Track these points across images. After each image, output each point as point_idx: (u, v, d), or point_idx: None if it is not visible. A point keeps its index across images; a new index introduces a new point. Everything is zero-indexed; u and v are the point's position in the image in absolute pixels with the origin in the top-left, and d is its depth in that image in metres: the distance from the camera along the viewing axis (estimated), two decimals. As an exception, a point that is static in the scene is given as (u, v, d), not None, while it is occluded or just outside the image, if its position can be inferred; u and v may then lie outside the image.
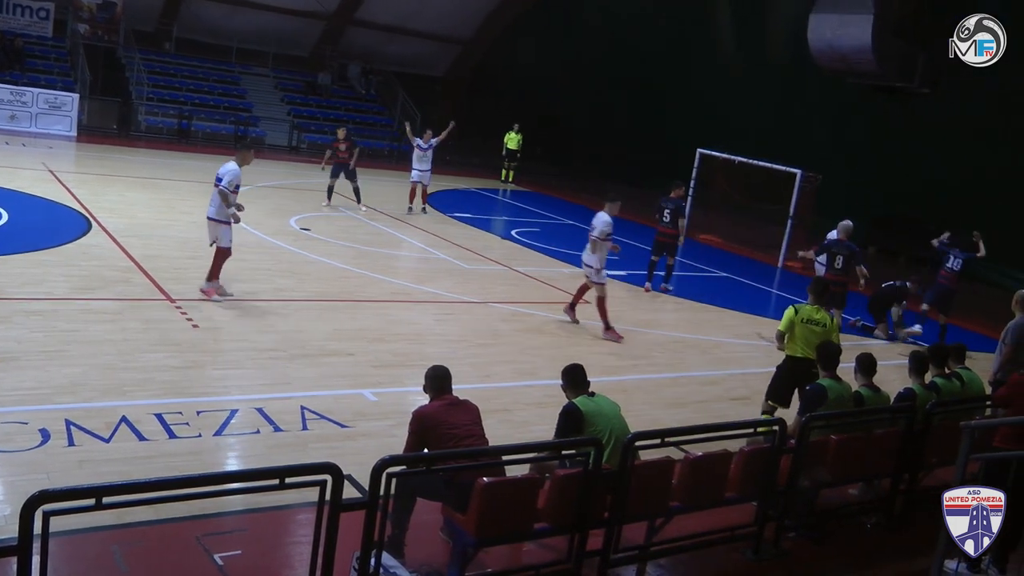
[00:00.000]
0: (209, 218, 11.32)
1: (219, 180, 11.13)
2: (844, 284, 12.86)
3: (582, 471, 5.57)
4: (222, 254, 11.29)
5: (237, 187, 11.14)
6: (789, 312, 8.79)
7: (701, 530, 6.50)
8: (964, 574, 6.29)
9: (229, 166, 11.18)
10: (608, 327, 12.07)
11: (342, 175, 18.92)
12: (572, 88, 30.74)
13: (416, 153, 19.86)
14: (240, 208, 11.28)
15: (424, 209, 20.11)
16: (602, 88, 30.20)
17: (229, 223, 11.21)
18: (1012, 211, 18.32)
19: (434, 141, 19.98)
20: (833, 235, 13.73)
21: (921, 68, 20.02)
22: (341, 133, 19.33)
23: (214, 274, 11.27)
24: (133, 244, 13.39)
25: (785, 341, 8.81)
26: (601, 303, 12.07)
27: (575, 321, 12.42)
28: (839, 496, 7.73)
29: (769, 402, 8.99)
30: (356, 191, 19.16)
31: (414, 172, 19.83)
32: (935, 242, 14.68)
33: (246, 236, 15.22)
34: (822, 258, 13.79)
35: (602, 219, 12.07)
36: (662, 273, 15.59)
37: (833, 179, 20.82)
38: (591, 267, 12.08)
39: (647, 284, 15.41)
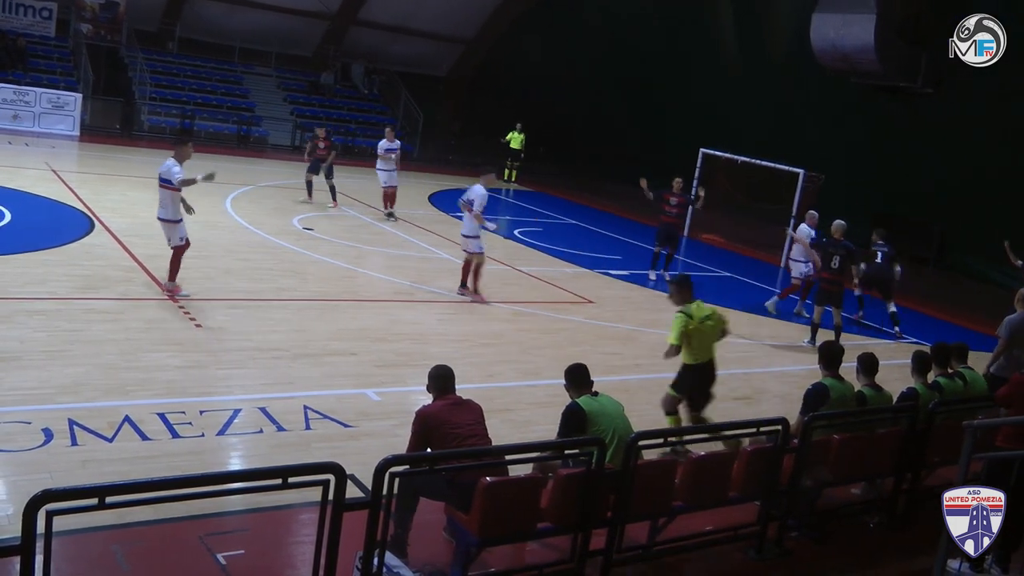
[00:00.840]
0: (160, 219, 11.28)
1: (167, 180, 11.00)
2: (840, 283, 12.83)
3: (585, 471, 5.58)
4: (178, 253, 11.26)
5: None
6: (681, 321, 8.05)
7: (704, 529, 6.51)
8: (967, 573, 6.29)
9: (168, 163, 11.08)
10: (468, 287, 13.08)
11: (321, 171, 19.04)
12: (575, 87, 30.71)
13: (384, 158, 18.67)
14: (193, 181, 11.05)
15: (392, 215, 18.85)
16: (604, 88, 30.16)
17: (180, 220, 11.19)
18: (1012, 211, 18.26)
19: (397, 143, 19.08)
20: (804, 228, 14.60)
21: (924, 68, 20.00)
22: (321, 132, 19.71)
23: (172, 274, 11.23)
24: (136, 244, 13.39)
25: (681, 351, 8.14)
26: (477, 268, 13.09)
27: (472, 294, 13.09)
28: (842, 495, 7.72)
29: (699, 414, 8.28)
30: (332, 188, 19.19)
31: (383, 174, 18.70)
32: None
33: (249, 236, 15.26)
34: (801, 254, 14.65)
35: (479, 192, 12.91)
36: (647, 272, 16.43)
37: (833, 179, 20.80)
38: (468, 237, 12.98)
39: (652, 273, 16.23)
